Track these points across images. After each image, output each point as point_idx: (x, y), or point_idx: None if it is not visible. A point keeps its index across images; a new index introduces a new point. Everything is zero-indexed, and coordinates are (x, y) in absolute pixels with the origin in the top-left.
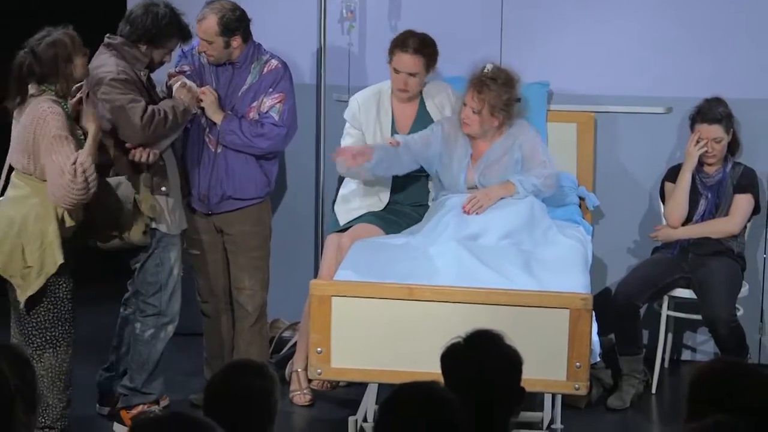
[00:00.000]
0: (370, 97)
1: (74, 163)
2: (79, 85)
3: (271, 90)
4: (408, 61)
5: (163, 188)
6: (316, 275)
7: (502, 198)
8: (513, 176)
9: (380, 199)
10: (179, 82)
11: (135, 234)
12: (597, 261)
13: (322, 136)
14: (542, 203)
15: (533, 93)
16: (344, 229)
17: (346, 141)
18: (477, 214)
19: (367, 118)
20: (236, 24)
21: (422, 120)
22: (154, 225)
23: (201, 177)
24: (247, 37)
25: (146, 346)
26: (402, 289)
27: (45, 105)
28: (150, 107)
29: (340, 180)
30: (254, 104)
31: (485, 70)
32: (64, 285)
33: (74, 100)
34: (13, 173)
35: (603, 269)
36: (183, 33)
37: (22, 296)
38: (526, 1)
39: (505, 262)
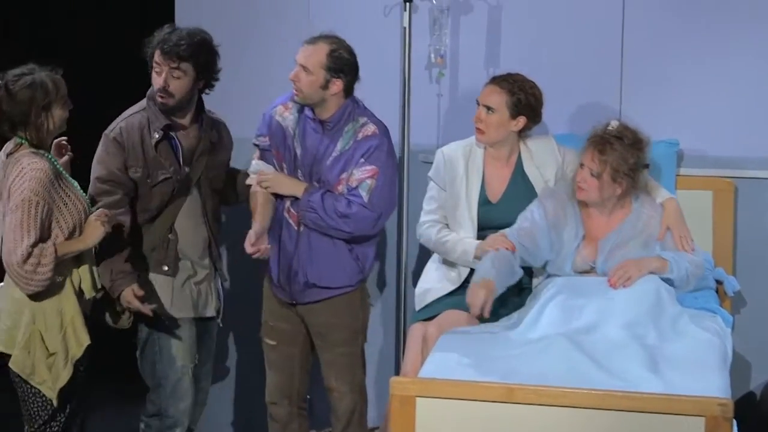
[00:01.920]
0: (458, 151)
1: (33, 246)
2: (61, 139)
3: (362, 161)
4: (486, 91)
5: (165, 267)
6: (397, 372)
7: (651, 273)
8: (664, 252)
9: (459, 274)
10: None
11: (114, 314)
12: (738, 358)
13: (406, 205)
14: (669, 286)
15: (660, 153)
16: (431, 317)
17: (430, 205)
18: (624, 287)
19: (453, 176)
20: (347, 67)
21: (517, 184)
22: (145, 307)
23: (281, 260)
24: (349, 90)
25: None
26: (500, 390)
27: (25, 161)
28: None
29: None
30: (344, 176)
31: (609, 128)
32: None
33: (63, 160)
34: None
35: (746, 369)
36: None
37: (51, 393)
38: (649, 51)
39: (624, 361)
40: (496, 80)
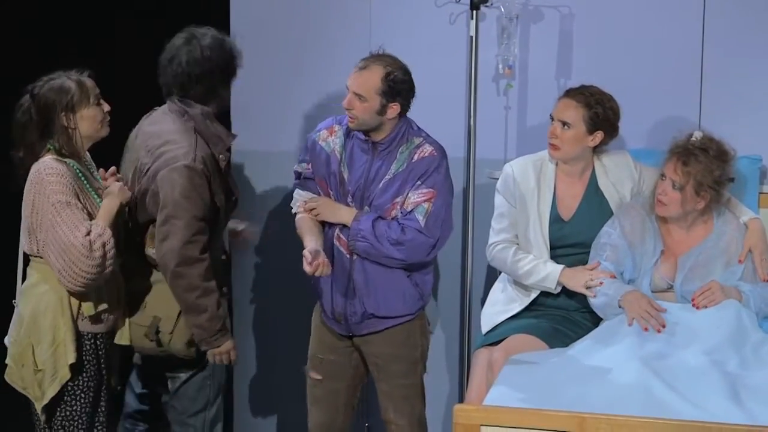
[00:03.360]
0: (528, 166)
1: (88, 234)
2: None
3: (419, 183)
4: (561, 105)
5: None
6: (461, 399)
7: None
8: (741, 284)
9: (527, 297)
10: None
11: (177, 341)
12: None
13: (471, 222)
14: (749, 311)
15: (742, 169)
16: (497, 342)
17: (501, 223)
18: (706, 307)
19: (523, 192)
20: (403, 87)
21: (591, 201)
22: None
23: (334, 291)
24: (405, 109)
25: None
26: (571, 419)
27: (42, 166)
28: (203, 261)
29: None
30: (398, 199)
31: (693, 139)
32: (82, 392)
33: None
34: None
35: None
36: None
37: (38, 406)
38: (730, 63)
39: (704, 389)
40: (572, 93)
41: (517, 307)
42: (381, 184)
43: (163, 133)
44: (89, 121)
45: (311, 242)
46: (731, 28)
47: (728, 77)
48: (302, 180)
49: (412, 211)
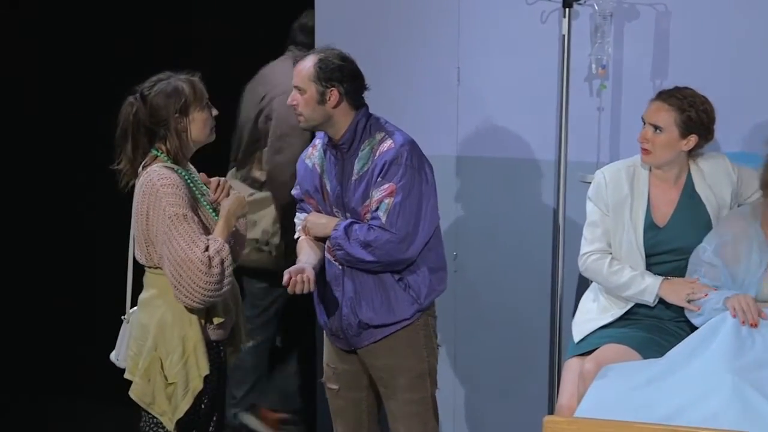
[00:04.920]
0: (621, 172)
1: (206, 250)
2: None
3: (380, 179)
4: (652, 108)
5: None
6: (551, 410)
7: None
8: None
9: (622, 306)
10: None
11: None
12: None
13: (562, 229)
14: None
15: None
16: (589, 352)
17: (593, 233)
18: None
19: (616, 198)
20: (338, 72)
21: (687, 207)
22: None
23: (328, 305)
24: (354, 101)
25: None
26: None
27: (154, 176)
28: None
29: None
30: (367, 201)
31: None
32: (203, 404)
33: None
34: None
35: None
36: None
37: (170, 424)
38: None
39: None
40: (663, 96)
41: (610, 317)
42: (351, 187)
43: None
44: (200, 125)
45: (299, 262)
46: None
47: None
48: (300, 203)
49: (376, 209)
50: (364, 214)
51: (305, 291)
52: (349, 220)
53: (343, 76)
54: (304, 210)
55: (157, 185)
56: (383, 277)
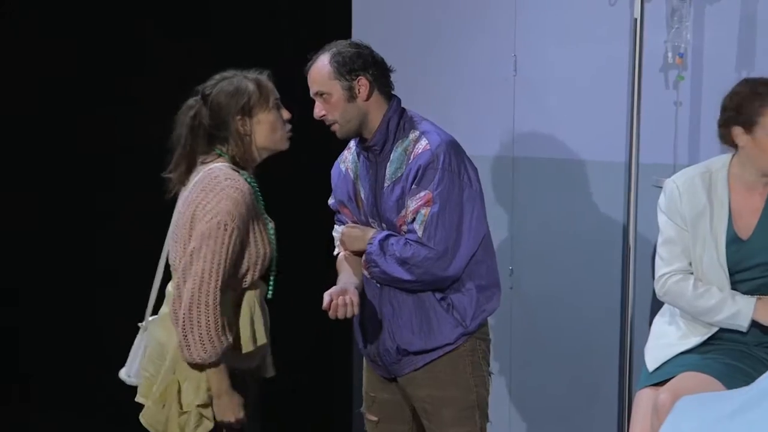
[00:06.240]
0: (695, 179)
1: (219, 289)
2: None
3: (414, 186)
4: None
5: None
6: None
7: None
8: None
9: (704, 330)
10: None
11: None
12: None
13: (633, 240)
14: None
15: None
16: (663, 381)
17: (671, 251)
18: None
19: (692, 209)
20: (358, 60)
21: None
22: None
23: (366, 328)
24: (384, 85)
25: None
26: None
27: (220, 173)
28: None
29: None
30: (403, 210)
31: None
32: None
33: None
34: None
35: None
36: None
37: None
38: None
39: None
40: None
41: (691, 343)
42: (384, 195)
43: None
44: (266, 128)
45: (340, 282)
46: None
47: None
48: (336, 215)
49: (413, 221)
50: (400, 225)
51: (348, 315)
52: (384, 233)
53: (365, 63)
54: (341, 222)
55: (223, 184)
56: (423, 296)
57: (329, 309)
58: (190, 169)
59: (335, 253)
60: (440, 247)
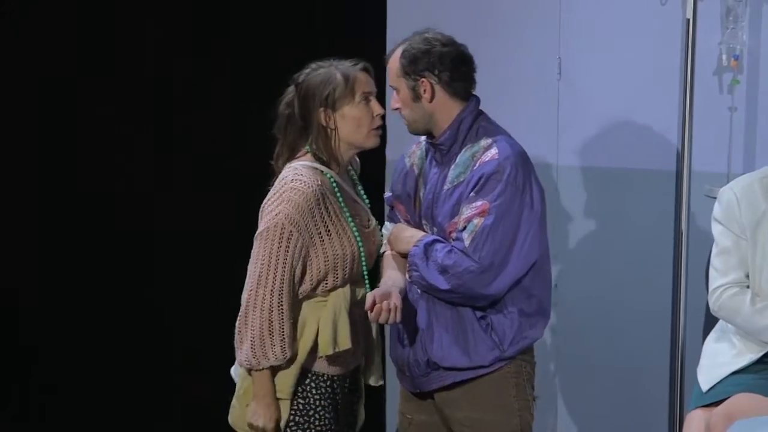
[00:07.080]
0: (754, 185)
1: (279, 294)
2: None
3: (473, 194)
4: None
5: None
6: None
7: None
8: None
9: (760, 348)
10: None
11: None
12: None
13: (684, 253)
14: None
15: None
16: (716, 402)
17: (727, 262)
18: None
19: (752, 216)
20: (425, 57)
21: None
22: None
23: (402, 334)
24: (454, 88)
25: None
26: None
27: (291, 173)
28: None
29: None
30: (457, 218)
31: None
32: None
33: None
34: None
35: None
36: None
37: None
38: None
39: None
40: None
41: (746, 360)
42: (441, 197)
43: None
44: (351, 123)
45: (386, 281)
46: None
47: None
48: (389, 211)
49: (463, 228)
50: (450, 232)
51: (390, 322)
52: (432, 237)
53: (432, 63)
54: (392, 219)
55: (288, 185)
56: (462, 311)
57: (371, 310)
58: (290, 159)
59: (381, 251)
60: (485, 261)
